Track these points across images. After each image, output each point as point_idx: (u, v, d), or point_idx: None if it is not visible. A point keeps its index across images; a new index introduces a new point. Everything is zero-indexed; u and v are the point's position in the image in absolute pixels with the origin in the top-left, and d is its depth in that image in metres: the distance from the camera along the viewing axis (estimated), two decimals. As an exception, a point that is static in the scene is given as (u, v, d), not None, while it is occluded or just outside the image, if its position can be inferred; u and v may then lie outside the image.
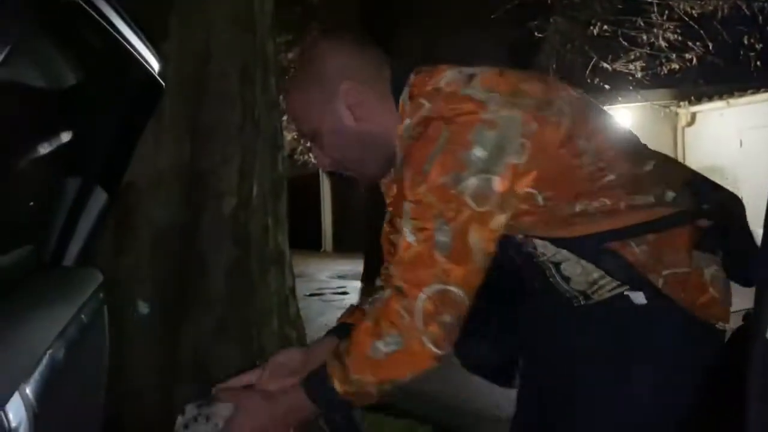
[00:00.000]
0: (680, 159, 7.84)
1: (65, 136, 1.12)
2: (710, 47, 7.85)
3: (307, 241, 10.89)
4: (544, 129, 0.99)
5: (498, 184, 0.96)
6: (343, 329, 1.10)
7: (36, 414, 0.82)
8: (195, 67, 2.27)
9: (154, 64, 1.03)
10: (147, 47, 0.97)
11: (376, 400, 1.01)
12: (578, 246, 1.06)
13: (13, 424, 0.77)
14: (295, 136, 9.19)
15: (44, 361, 0.89)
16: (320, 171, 12.71)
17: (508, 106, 0.98)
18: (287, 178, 3.03)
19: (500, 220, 0.97)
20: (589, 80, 8.81)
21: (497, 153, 0.96)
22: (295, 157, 9.47)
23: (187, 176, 2.32)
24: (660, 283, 1.04)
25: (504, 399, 3.94)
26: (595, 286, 1.09)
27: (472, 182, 0.96)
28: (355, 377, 0.97)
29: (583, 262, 1.07)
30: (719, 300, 1.04)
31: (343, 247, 12.25)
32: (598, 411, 1.08)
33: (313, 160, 10.11)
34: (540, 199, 1.02)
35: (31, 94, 1.05)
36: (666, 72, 8.62)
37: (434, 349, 0.96)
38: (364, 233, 7.49)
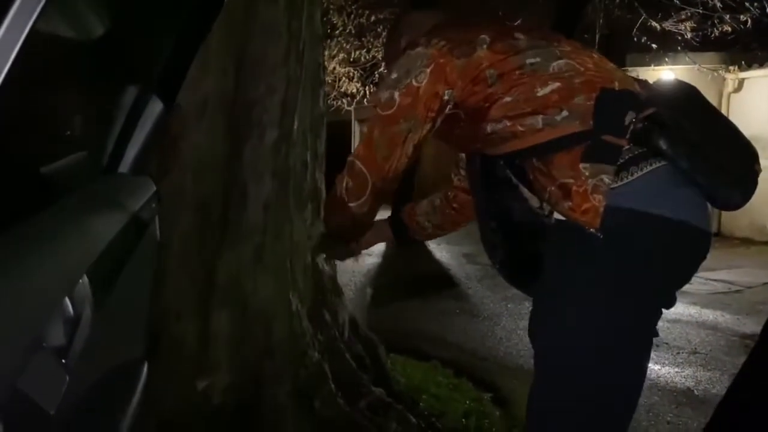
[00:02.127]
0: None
1: (124, 42, 1.12)
2: (767, 9, 7.50)
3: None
4: (447, 62, 1.28)
5: (398, 97, 1.30)
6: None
7: (95, 305, 0.85)
8: (243, -7, 2.24)
9: (217, -30, 1.02)
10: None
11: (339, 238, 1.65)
12: (508, 163, 1.30)
13: (78, 311, 0.79)
14: (330, 80, 9.12)
15: (102, 258, 0.91)
16: (352, 117, 12.64)
17: (425, 46, 1.31)
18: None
19: (402, 126, 1.30)
20: (635, 39, 8.52)
21: (404, 76, 1.30)
22: (329, 102, 9.42)
23: (232, 105, 2.32)
24: (546, 195, 1.24)
25: (525, 348, 3.99)
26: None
27: (383, 95, 1.33)
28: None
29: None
30: (597, 208, 1.17)
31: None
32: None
33: (346, 106, 10.06)
34: (462, 115, 1.31)
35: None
36: (717, 34, 8.29)
37: (344, 196, 1.39)
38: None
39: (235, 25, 2.25)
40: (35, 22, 0.68)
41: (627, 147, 1.20)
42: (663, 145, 1.20)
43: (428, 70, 1.28)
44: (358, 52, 8.84)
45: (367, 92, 9.65)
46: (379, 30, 8.41)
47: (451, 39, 1.32)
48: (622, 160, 1.19)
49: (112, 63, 1.14)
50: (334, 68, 9.00)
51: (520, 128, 1.24)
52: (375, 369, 2.89)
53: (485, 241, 1.42)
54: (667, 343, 4.01)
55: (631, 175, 1.19)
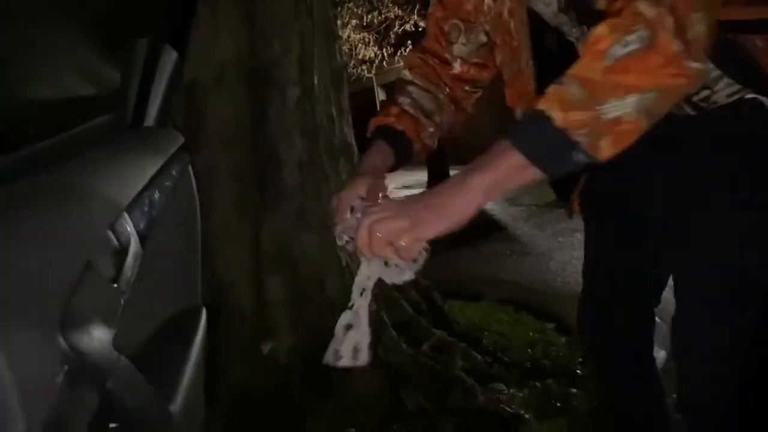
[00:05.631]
0: None
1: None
2: None
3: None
4: None
5: None
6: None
7: (140, 241, 0.85)
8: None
9: None
10: None
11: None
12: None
13: (124, 245, 0.79)
14: (347, 49, 9.03)
15: (139, 198, 0.91)
16: (374, 84, 12.54)
17: None
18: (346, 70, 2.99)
19: None
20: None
21: None
22: (350, 71, 9.33)
23: (249, 69, 2.31)
24: None
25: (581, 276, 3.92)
26: (707, 91, 1.02)
27: None
28: (581, 94, 0.75)
29: None
30: None
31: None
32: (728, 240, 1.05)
33: (366, 73, 9.92)
34: None
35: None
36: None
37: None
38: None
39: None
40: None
41: None
42: None
43: None
44: (370, 16, 8.71)
45: (385, 55, 9.52)
46: (387, -11, 8.26)
47: None
48: None
49: (120, 17, 1.13)
50: (349, 35, 8.90)
51: None
52: (433, 313, 2.89)
53: None
54: None
55: None
